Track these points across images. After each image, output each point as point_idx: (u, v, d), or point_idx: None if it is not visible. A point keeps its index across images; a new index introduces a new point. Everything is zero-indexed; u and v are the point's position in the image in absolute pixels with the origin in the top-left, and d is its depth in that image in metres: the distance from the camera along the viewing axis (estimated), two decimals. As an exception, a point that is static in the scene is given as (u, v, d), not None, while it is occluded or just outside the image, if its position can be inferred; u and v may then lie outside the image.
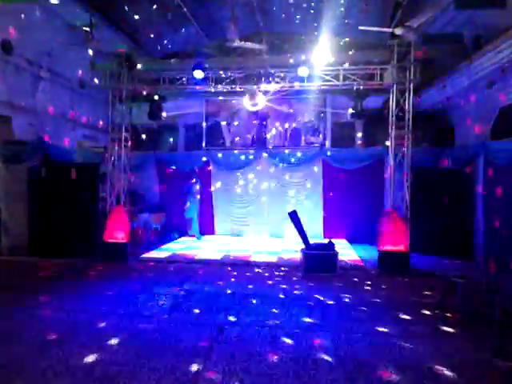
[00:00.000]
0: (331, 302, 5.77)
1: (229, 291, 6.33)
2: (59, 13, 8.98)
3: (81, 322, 4.80)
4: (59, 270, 7.77)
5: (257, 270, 8.03)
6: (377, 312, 5.33)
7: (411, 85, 7.96)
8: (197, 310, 5.31)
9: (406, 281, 7.12)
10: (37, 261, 8.42)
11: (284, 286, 6.68)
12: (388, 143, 8.39)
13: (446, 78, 9.42)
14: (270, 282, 6.99)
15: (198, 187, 11.76)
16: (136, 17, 9.40)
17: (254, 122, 12.14)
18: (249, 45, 7.58)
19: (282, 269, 8.03)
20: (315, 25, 9.01)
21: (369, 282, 6.98)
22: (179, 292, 6.24)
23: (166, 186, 12.54)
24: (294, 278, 7.28)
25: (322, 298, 5.94)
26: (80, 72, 10.54)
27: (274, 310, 5.39)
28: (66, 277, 7.25)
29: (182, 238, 11.83)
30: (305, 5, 9.08)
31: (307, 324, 4.87)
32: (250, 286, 6.67)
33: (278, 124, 12.36)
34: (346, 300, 5.91)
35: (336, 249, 7.81)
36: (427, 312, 5.32)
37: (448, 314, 5.15)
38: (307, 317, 5.09)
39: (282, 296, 6.07)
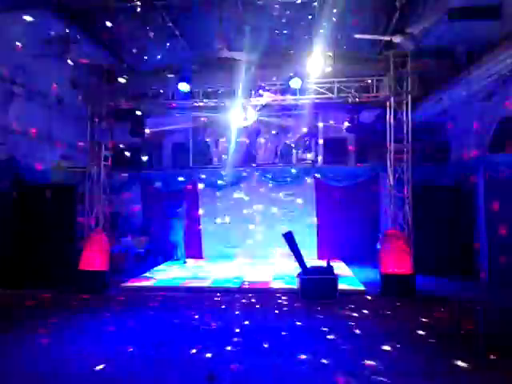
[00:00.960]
0: (336, 336, 5.12)
1: (219, 325, 5.61)
2: (35, 26, 8.45)
3: (42, 370, 4.04)
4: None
5: (248, 297, 7.33)
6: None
7: (409, 96, 7.59)
8: (182, 350, 4.57)
9: (416, 307, 6.49)
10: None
11: (280, 316, 6.01)
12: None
13: (443, 91, 9.13)
14: (264, 312, 6.29)
15: (184, 208, 11.08)
16: (118, 30, 8.93)
17: (244, 138, 11.64)
18: (237, 55, 7.14)
19: (277, 295, 7.34)
20: (307, 38, 8.65)
21: (377, 311, 6.31)
22: (163, 327, 5.51)
23: (150, 208, 11.84)
24: (290, 306, 6.62)
25: (324, 331, 5.28)
26: (58, 88, 9.93)
27: (268, 347, 4.69)
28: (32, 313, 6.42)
29: (168, 263, 11.05)
30: (296, 18, 8.71)
31: (316, 365, 4.19)
32: (242, 317, 5.97)
33: (268, 140, 11.89)
34: (356, 332, 5.23)
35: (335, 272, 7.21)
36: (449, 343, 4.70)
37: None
38: (312, 355, 4.43)
39: (278, 329, 5.37)
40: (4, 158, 8.54)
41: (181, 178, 11.77)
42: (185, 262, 10.86)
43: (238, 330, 5.32)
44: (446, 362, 4.16)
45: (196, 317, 6.02)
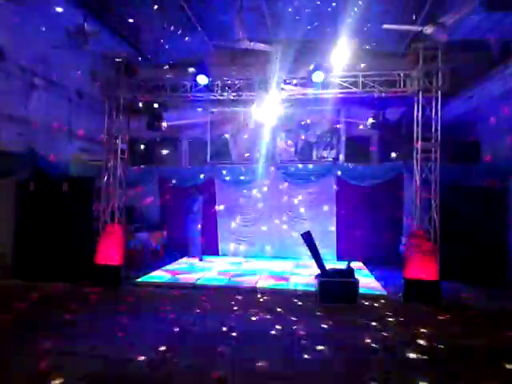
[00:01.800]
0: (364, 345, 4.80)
1: (233, 329, 5.34)
2: (56, 18, 8.43)
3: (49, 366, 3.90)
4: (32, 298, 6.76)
5: (264, 297, 7.09)
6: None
7: (439, 92, 7.14)
8: (192, 357, 4.29)
9: (442, 316, 6.09)
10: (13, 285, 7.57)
11: (296, 321, 5.71)
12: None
13: (475, 87, 8.61)
14: (282, 315, 6.01)
15: (200, 204, 10.89)
16: (137, 22, 8.83)
17: (263, 134, 11.36)
18: (257, 46, 6.86)
19: (294, 300, 7.01)
20: (331, 30, 8.31)
21: (402, 319, 5.91)
22: (173, 329, 5.25)
23: (168, 203, 11.71)
24: (309, 310, 6.34)
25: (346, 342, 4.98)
26: (78, 80, 9.91)
27: (283, 356, 4.42)
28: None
29: (184, 259, 10.91)
30: (319, 9, 8.39)
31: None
32: (256, 319, 5.75)
33: (288, 137, 11.58)
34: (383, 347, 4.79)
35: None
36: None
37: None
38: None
39: (295, 337, 5.09)
40: (23, 149, 8.55)
41: (199, 174, 11.61)
42: (201, 260, 10.69)
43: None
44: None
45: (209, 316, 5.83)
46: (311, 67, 7.51)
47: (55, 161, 9.33)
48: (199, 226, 10.80)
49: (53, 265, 8.08)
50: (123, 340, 4.81)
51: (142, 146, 10.86)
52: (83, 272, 7.98)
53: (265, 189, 11.44)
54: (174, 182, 11.59)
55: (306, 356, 4.37)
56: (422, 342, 4.87)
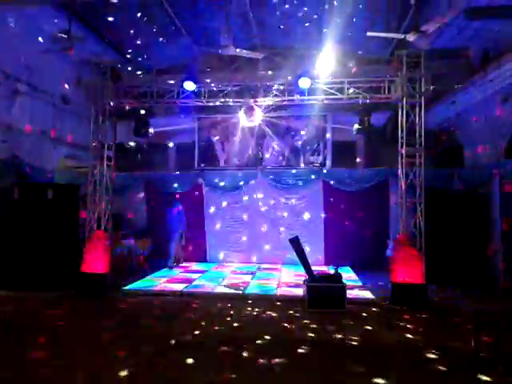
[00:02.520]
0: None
1: (224, 343, 5.20)
2: (41, 23, 8.35)
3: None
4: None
5: (253, 304, 7.05)
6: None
7: (422, 98, 7.29)
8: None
9: (430, 319, 6.20)
10: None
11: (291, 327, 5.72)
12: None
13: (456, 94, 8.81)
14: (275, 323, 6.00)
15: (181, 211, 10.74)
16: (123, 28, 8.79)
17: (250, 140, 11.42)
18: (244, 53, 6.92)
19: (288, 310, 6.78)
20: (317, 37, 8.42)
21: (392, 322, 5.98)
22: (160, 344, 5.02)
23: (154, 209, 11.61)
24: (297, 315, 6.34)
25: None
26: (63, 86, 9.81)
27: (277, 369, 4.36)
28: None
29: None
30: (305, 16, 8.50)
31: None
32: (246, 327, 5.71)
33: (275, 143, 11.65)
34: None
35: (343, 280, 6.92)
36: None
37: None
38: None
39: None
40: (6, 156, 8.41)
41: (186, 180, 11.56)
42: (170, 267, 10.50)
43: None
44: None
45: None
46: (298, 73, 7.61)
47: (40, 167, 9.21)
48: (178, 232, 10.63)
49: (38, 274, 7.92)
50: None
51: (129, 153, 10.78)
52: (70, 281, 7.85)
53: (252, 195, 11.45)
54: (161, 188, 11.52)
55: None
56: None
